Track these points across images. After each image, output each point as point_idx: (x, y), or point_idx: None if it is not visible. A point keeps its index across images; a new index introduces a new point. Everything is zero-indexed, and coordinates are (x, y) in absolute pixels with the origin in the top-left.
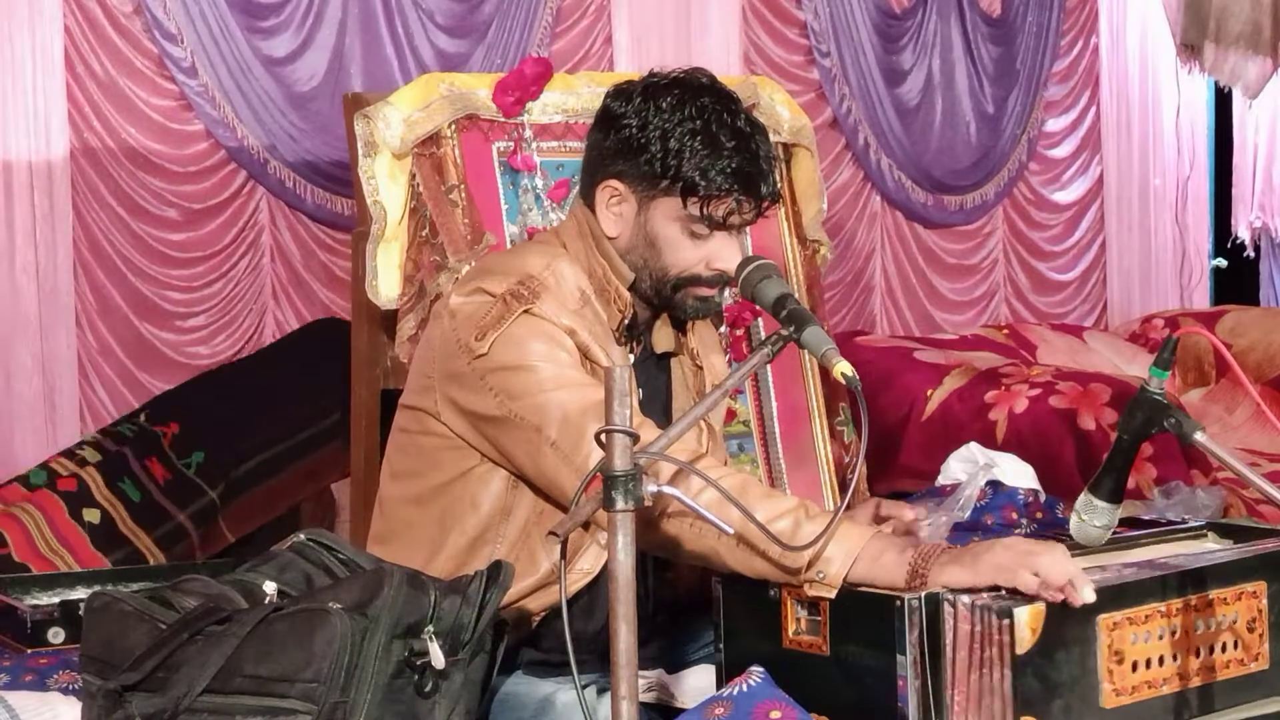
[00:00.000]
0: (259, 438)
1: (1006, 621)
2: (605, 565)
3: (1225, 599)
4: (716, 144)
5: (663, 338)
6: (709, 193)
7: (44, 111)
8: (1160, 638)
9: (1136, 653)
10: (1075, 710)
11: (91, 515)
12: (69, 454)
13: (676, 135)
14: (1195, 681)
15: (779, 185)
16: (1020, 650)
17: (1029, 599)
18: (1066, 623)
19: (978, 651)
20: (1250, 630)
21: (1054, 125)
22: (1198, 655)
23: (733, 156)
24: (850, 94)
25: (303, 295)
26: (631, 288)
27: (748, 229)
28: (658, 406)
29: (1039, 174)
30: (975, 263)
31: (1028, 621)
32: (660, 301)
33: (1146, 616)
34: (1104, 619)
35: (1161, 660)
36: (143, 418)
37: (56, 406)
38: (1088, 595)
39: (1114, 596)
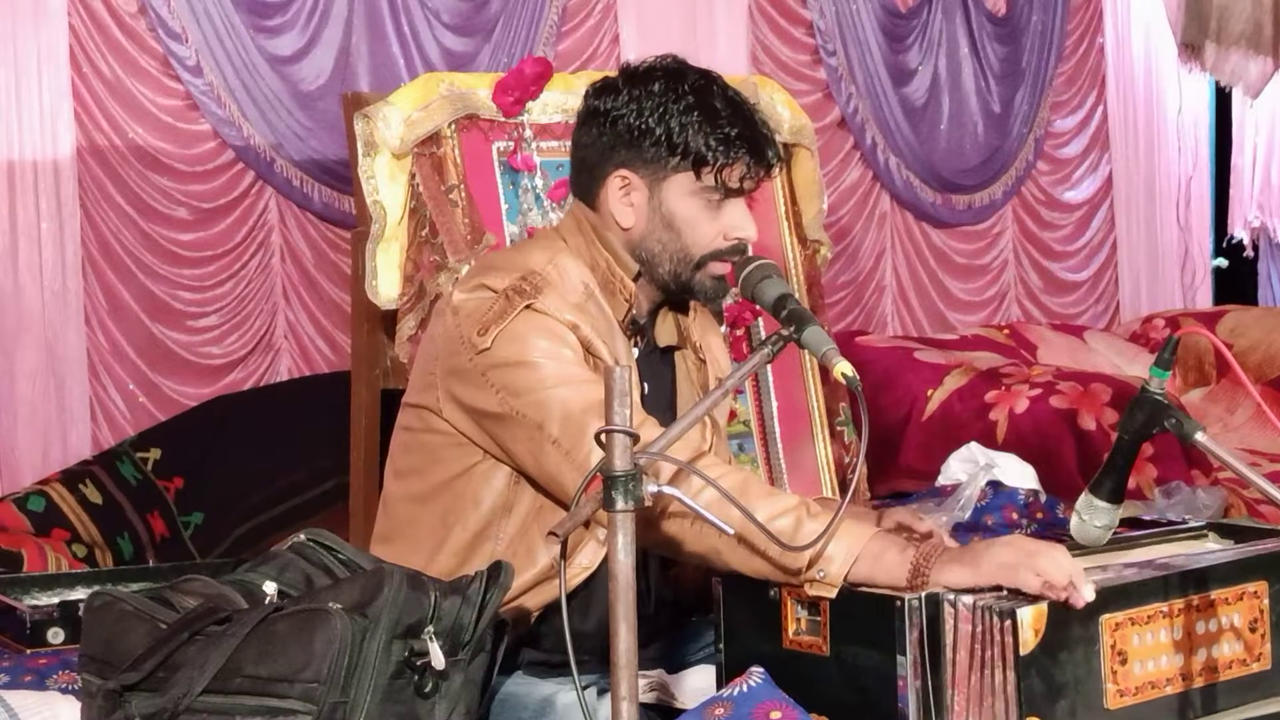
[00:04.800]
0: (253, 503)
1: (1009, 622)
2: (604, 563)
3: (1227, 599)
4: (714, 114)
5: (665, 331)
6: (719, 160)
7: (50, 111)
8: (1163, 638)
9: (1139, 653)
10: (1079, 711)
11: (78, 550)
12: (70, 484)
13: (674, 114)
14: (1198, 682)
15: (780, 148)
16: (1024, 651)
17: (1031, 599)
18: (1069, 623)
19: (979, 652)
20: (1252, 630)
21: (1062, 125)
22: (1200, 655)
23: (733, 123)
24: (857, 93)
25: (313, 295)
26: (641, 276)
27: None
28: (662, 401)
29: (1048, 174)
30: (986, 263)
31: (1030, 622)
32: (679, 286)
33: (1149, 617)
34: (1107, 619)
35: (1165, 660)
36: (150, 467)
37: (66, 407)
38: (1088, 594)
39: (1117, 596)
